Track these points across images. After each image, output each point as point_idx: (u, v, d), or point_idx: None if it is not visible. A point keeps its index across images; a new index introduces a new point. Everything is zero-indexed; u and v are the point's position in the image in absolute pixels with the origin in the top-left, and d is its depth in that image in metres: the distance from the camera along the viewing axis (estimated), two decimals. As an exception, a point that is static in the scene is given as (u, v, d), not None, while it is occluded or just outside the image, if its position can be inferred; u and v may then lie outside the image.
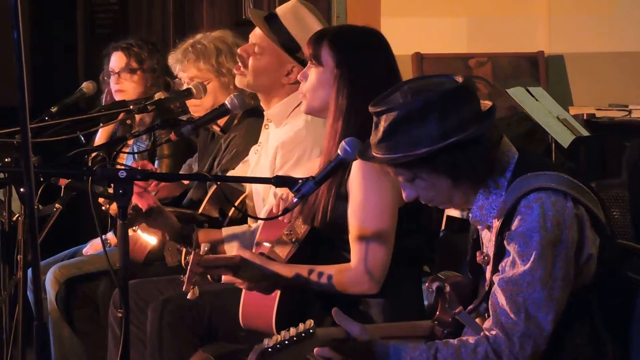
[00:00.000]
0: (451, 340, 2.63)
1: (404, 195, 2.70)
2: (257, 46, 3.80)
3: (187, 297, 3.09)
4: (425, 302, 3.22)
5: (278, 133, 3.74)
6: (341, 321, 2.63)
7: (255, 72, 3.79)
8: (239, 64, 3.87)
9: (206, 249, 3.08)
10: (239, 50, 3.91)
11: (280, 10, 3.78)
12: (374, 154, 2.65)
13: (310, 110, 3.39)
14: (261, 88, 3.81)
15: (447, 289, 2.78)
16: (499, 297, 2.59)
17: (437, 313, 2.83)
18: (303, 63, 3.67)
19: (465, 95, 2.62)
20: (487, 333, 2.59)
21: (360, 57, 3.29)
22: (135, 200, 3.60)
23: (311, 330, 2.55)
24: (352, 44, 3.33)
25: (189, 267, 3.05)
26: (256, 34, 3.83)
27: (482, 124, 2.59)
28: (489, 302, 2.63)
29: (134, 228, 3.75)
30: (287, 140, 3.67)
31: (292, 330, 2.54)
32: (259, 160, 3.83)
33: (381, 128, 2.61)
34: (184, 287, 3.06)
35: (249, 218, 3.75)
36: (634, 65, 6.10)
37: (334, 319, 2.67)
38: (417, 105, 2.58)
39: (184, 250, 3.19)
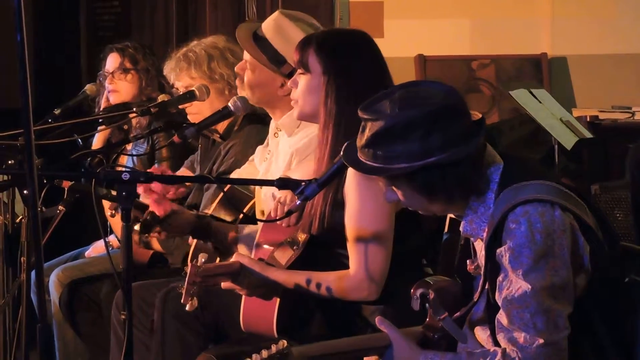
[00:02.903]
0: (475, 350, 2.65)
1: (385, 198, 2.70)
2: (248, 63, 3.82)
3: (186, 309, 3.08)
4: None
5: (291, 141, 3.75)
6: (385, 328, 2.70)
7: (250, 88, 3.82)
8: (240, 82, 3.90)
9: (203, 260, 3.07)
10: (235, 69, 3.94)
11: (264, 25, 3.79)
12: (358, 156, 2.66)
13: (302, 116, 3.40)
14: (261, 101, 3.84)
15: (431, 295, 2.76)
16: (502, 318, 2.59)
17: (427, 319, 2.83)
18: (289, 76, 3.68)
19: (453, 114, 2.58)
20: (504, 348, 2.59)
21: (347, 61, 3.28)
22: (152, 207, 3.60)
23: (286, 351, 2.54)
24: (338, 49, 3.31)
25: (186, 279, 3.04)
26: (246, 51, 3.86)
27: (466, 145, 2.57)
28: (495, 324, 2.63)
29: (150, 235, 3.74)
30: (303, 147, 3.68)
31: (265, 353, 2.52)
32: (269, 168, 3.83)
33: (366, 134, 2.62)
34: (182, 299, 3.06)
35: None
36: (637, 67, 6.11)
37: (378, 326, 2.72)
38: (401, 120, 2.56)
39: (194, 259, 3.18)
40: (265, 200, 3.75)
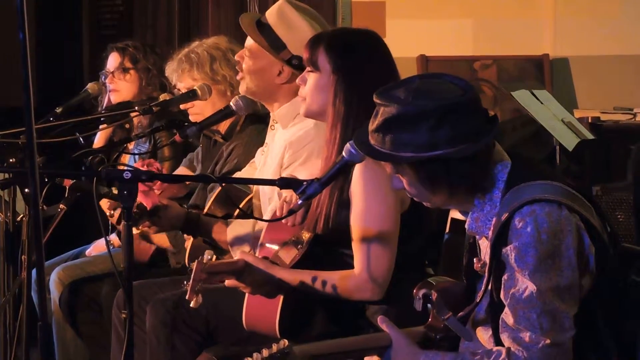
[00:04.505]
0: (478, 350, 2.65)
1: (391, 184, 2.71)
2: (247, 50, 3.82)
3: (191, 306, 3.08)
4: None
5: (286, 133, 3.75)
6: (387, 327, 2.71)
7: (248, 75, 3.81)
8: (239, 71, 3.89)
9: (209, 257, 3.08)
10: (236, 57, 3.93)
11: (267, 12, 3.80)
12: (368, 139, 2.66)
13: (309, 114, 3.39)
14: (259, 91, 3.81)
15: (434, 296, 2.76)
16: (507, 318, 2.59)
17: (430, 319, 2.83)
18: (288, 63, 3.68)
19: (466, 110, 2.58)
20: (509, 347, 2.59)
21: (357, 61, 3.28)
22: (140, 199, 3.61)
23: (287, 350, 2.55)
24: (348, 49, 3.31)
25: (192, 276, 3.04)
26: (248, 38, 3.86)
27: (475, 143, 2.57)
28: (500, 323, 2.63)
29: (138, 228, 3.75)
30: (296, 140, 3.68)
31: (265, 352, 2.53)
32: (266, 161, 3.84)
33: (377, 119, 2.62)
34: (187, 296, 3.06)
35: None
36: (638, 69, 6.10)
37: (380, 326, 2.72)
38: (412, 109, 2.57)
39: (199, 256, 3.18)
40: (262, 196, 3.75)
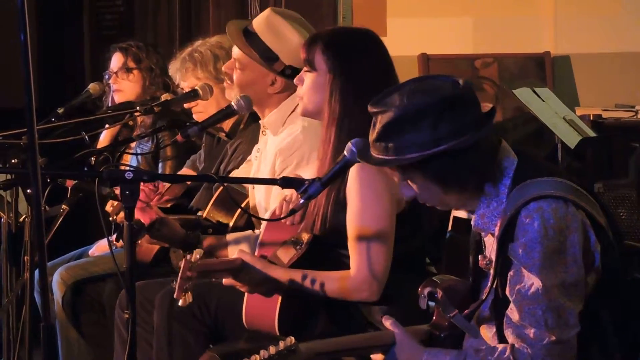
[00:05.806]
0: (482, 347, 2.65)
1: (402, 194, 2.71)
2: (237, 62, 3.81)
3: (179, 304, 3.08)
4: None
5: (276, 140, 3.76)
6: (390, 325, 2.73)
7: (240, 87, 3.81)
8: (229, 81, 3.90)
9: (198, 256, 3.07)
10: (223, 68, 3.93)
11: (255, 22, 3.79)
12: (371, 152, 2.66)
13: (306, 113, 3.41)
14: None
15: (439, 293, 2.77)
16: (513, 314, 2.59)
17: (434, 317, 2.83)
18: (282, 74, 3.68)
19: (463, 102, 2.60)
20: (513, 344, 2.59)
21: (353, 61, 3.29)
22: (137, 215, 3.60)
23: (293, 347, 2.55)
24: (345, 48, 3.32)
25: (179, 274, 3.04)
26: (235, 49, 3.85)
27: (476, 132, 2.58)
28: (504, 319, 2.63)
29: (138, 242, 3.75)
30: (285, 147, 3.68)
31: (272, 349, 2.54)
32: (259, 167, 3.84)
33: (376, 128, 2.63)
34: (175, 294, 3.06)
35: (254, 223, 3.75)
36: (640, 66, 6.10)
37: (383, 323, 2.74)
38: (411, 109, 2.58)
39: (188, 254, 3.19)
40: (258, 205, 3.75)
